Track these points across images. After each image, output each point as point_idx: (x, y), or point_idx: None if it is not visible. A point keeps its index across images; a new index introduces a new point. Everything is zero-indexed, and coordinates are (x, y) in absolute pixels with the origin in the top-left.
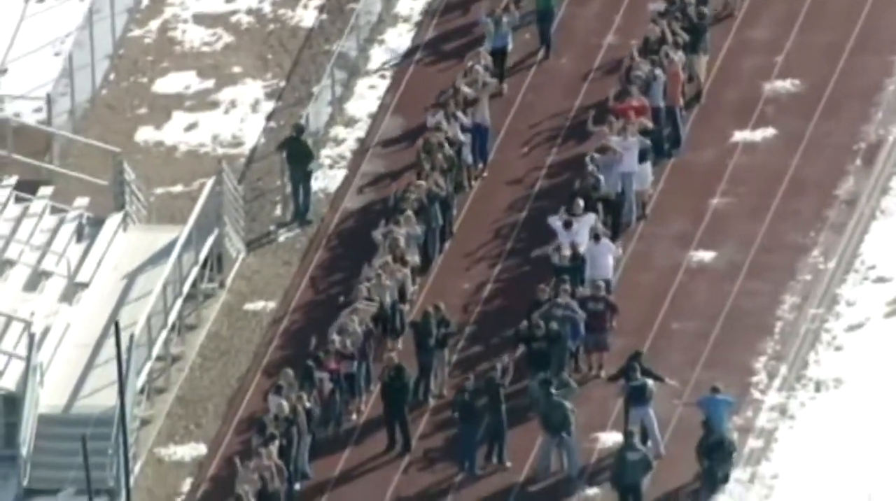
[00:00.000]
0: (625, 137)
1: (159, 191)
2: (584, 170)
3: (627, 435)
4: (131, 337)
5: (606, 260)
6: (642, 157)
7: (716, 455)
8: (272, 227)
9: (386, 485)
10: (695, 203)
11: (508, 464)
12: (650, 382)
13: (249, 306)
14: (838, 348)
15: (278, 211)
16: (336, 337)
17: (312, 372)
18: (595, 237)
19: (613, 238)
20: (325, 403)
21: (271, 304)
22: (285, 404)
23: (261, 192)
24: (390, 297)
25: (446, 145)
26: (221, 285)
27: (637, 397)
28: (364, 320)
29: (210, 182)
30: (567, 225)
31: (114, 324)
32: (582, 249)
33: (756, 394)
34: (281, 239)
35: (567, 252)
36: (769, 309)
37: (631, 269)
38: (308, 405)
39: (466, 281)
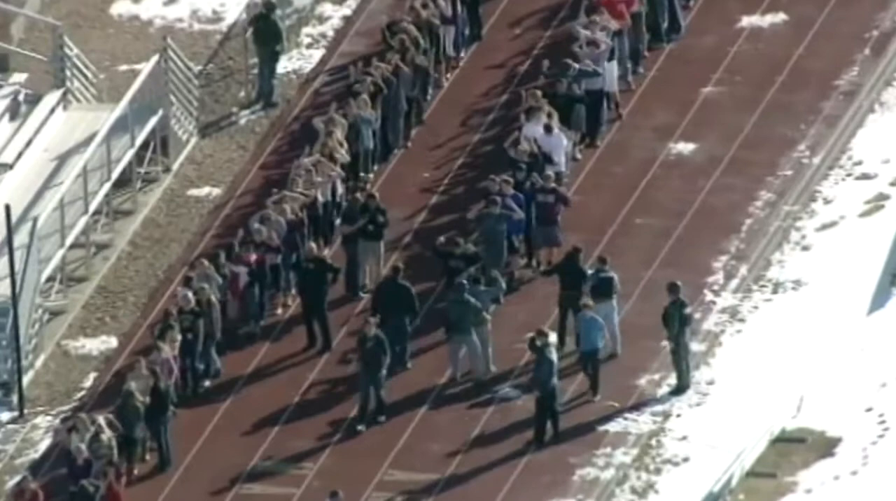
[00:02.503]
0: (593, 31)
1: (123, 68)
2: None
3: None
4: (34, 222)
5: (559, 152)
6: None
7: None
8: (234, 109)
9: (299, 385)
10: (685, 92)
11: (408, 366)
12: (616, 276)
13: (193, 192)
14: (805, 248)
15: (242, 92)
16: (258, 227)
17: (222, 265)
18: (547, 129)
19: (592, 135)
20: (241, 298)
21: (217, 191)
22: (191, 296)
23: (229, 72)
24: (322, 195)
25: (412, 27)
26: (167, 170)
27: (604, 291)
28: (294, 209)
29: (153, 60)
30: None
31: (5, 208)
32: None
33: (709, 296)
34: (241, 121)
35: (521, 145)
36: (740, 205)
37: (604, 160)
38: (217, 298)
39: (428, 171)
